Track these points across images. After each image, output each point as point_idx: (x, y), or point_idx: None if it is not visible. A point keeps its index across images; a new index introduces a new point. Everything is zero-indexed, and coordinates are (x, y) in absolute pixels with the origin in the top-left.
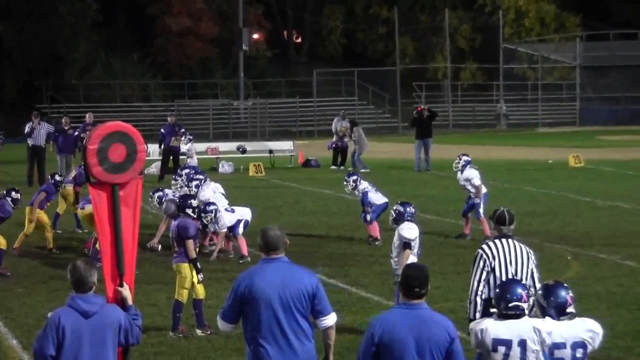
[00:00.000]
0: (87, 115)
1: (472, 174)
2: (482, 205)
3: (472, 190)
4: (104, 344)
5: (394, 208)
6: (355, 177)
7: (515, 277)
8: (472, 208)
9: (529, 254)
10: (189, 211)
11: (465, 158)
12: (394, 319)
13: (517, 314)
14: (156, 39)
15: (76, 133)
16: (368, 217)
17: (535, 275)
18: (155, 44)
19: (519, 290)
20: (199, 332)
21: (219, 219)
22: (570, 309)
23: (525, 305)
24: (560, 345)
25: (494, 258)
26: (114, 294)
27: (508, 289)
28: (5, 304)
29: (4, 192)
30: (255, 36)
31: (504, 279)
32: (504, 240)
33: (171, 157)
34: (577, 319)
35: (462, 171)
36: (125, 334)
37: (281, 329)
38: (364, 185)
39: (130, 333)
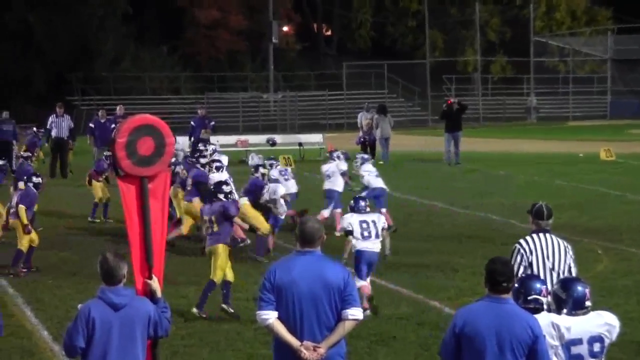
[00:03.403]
0: (118, 108)
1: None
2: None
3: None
4: (134, 336)
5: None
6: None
7: (552, 272)
8: None
9: (567, 249)
10: (222, 196)
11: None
12: (476, 311)
13: (536, 307)
14: (185, 31)
15: (113, 125)
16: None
17: (573, 270)
18: (185, 37)
19: (538, 285)
20: (223, 306)
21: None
22: (588, 303)
23: (544, 300)
24: (576, 342)
25: (531, 253)
26: (143, 286)
27: (527, 283)
28: (36, 295)
29: (25, 178)
30: (285, 29)
31: (541, 273)
32: (541, 234)
33: None
34: (592, 312)
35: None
36: (155, 326)
37: (309, 322)
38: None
39: (160, 325)
